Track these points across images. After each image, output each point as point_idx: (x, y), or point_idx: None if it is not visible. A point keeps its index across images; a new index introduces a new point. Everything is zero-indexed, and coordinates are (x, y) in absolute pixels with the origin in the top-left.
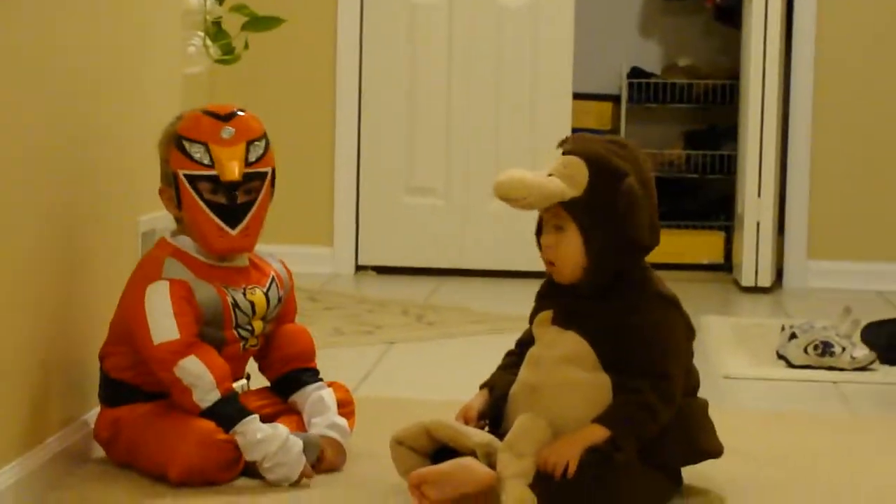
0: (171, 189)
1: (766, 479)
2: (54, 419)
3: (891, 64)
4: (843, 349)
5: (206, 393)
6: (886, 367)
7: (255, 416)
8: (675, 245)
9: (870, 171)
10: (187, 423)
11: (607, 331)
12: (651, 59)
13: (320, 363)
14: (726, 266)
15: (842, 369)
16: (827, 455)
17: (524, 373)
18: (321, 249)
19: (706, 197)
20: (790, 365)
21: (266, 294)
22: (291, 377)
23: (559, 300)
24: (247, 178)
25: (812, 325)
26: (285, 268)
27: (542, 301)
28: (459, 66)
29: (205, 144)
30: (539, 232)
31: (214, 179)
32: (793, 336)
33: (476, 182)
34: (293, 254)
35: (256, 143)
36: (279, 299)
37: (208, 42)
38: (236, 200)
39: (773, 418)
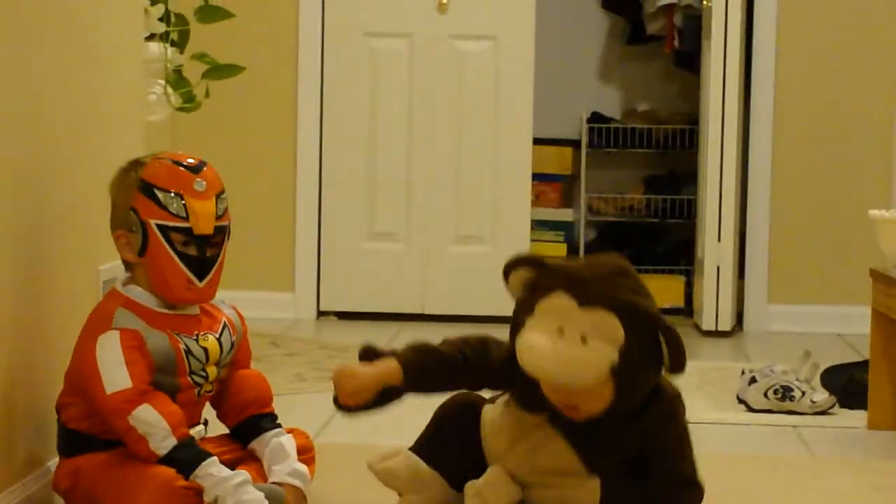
0: (134, 235)
1: None
2: (15, 468)
3: (850, 108)
4: (803, 393)
5: (162, 440)
6: (846, 411)
7: (215, 458)
8: None
9: (829, 214)
10: (147, 471)
11: (616, 443)
12: (611, 104)
13: (281, 409)
14: (687, 310)
15: (802, 413)
16: (787, 498)
17: (504, 455)
18: (283, 295)
19: (666, 241)
20: (750, 409)
21: (219, 339)
22: (250, 423)
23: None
24: (216, 231)
25: (772, 369)
26: (237, 313)
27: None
28: (420, 112)
29: (180, 196)
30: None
31: (187, 231)
32: (753, 380)
33: (437, 227)
34: (255, 299)
35: (223, 196)
36: (232, 344)
37: (169, 90)
38: (206, 253)
39: (733, 462)
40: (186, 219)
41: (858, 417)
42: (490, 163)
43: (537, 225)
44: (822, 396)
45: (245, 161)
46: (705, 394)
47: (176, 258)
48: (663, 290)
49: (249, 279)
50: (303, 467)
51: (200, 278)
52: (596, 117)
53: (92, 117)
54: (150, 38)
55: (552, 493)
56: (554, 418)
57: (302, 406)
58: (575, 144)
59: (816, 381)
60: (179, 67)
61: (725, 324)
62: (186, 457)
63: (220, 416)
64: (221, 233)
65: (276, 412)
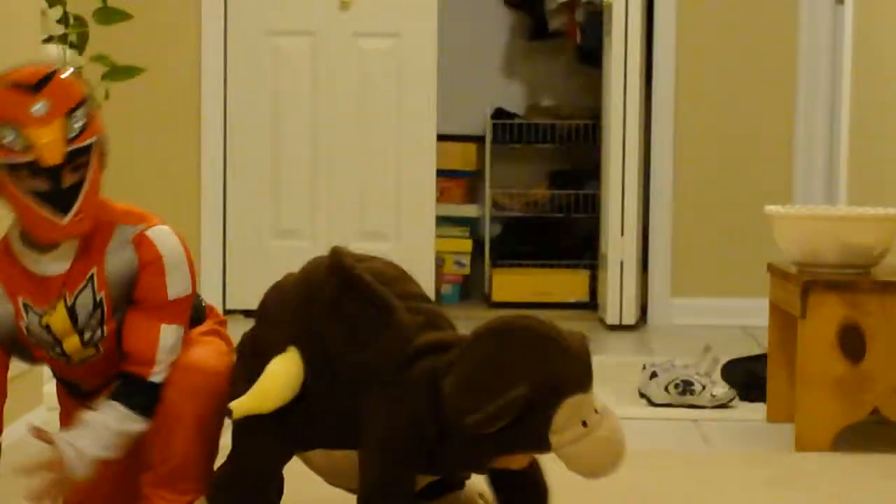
0: None
1: None
2: None
3: (749, 105)
4: (703, 387)
5: None
6: (745, 404)
7: None
8: (541, 284)
9: (730, 209)
10: None
11: None
12: (515, 100)
13: None
14: (592, 304)
15: (702, 406)
16: (688, 492)
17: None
18: None
19: (571, 236)
20: (651, 403)
21: (72, 307)
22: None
23: None
24: (71, 156)
25: (673, 363)
26: (146, 248)
27: None
28: (323, 110)
29: (14, 127)
30: None
31: (33, 165)
32: (654, 375)
33: (341, 224)
34: None
35: (76, 112)
36: (98, 302)
37: None
38: (62, 184)
39: (634, 457)
40: (27, 151)
41: (757, 410)
42: (394, 159)
43: (442, 221)
44: (721, 390)
45: (148, 163)
46: (608, 389)
47: (27, 197)
48: (568, 284)
49: None
50: (86, 446)
51: (64, 213)
52: (500, 113)
53: None
54: (49, 40)
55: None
56: None
57: None
58: (479, 140)
59: (717, 374)
60: (79, 70)
61: (630, 317)
62: None
63: None
64: (83, 154)
65: (145, 378)
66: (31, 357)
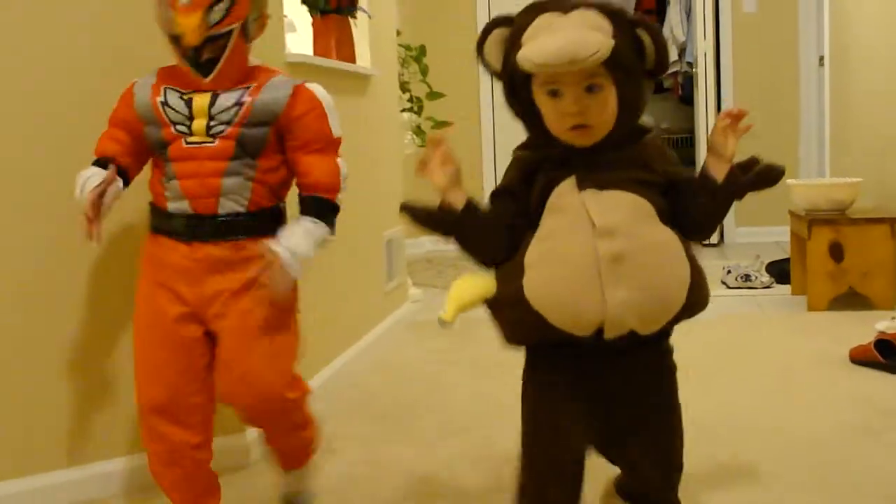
0: None
1: (714, 356)
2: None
3: (776, 123)
4: (756, 277)
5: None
6: (780, 286)
7: (99, 168)
8: None
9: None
10: None
11: (646, 175)
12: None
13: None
14: None
15: (756, 288)
16: (748, 337)
17: (585, 245)
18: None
19: None
20: (728, 287)
21: (216, 95)
22: (303, 204)
23: (570, 166)
24: (209, 39)
25: (739, 265)
26: (306, 97)
27: (551, 171)
28: None
29: (169, 12)
30: (519, 101)
31: (179, 41)
32: (728, 271)
33: None
34: (414, 242)
35: (216, 7)
36: (239, 103)
37: (415, 137)
38: (201, 59)
39: (718, 320)
40: (175, 30)
41: (786, 289)
42: None
43: None
44: (767, 278)
45: None
46: None
47: (182, 60)
48: None
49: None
50: (297, 245)
51: (205, 76)
52: None
53: (379, 151)
54: (404, 110)
55: (659, 257)
56: (582, 183)
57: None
58: None
59: (763, 270)
60: (419, 124)
61: (714, 239)
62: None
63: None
64: (220, 39)
65: (333, 201)
66: (159, 137)
